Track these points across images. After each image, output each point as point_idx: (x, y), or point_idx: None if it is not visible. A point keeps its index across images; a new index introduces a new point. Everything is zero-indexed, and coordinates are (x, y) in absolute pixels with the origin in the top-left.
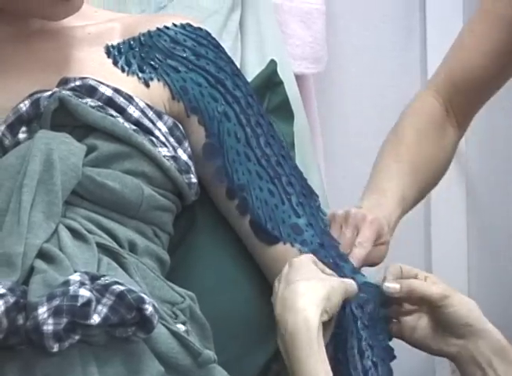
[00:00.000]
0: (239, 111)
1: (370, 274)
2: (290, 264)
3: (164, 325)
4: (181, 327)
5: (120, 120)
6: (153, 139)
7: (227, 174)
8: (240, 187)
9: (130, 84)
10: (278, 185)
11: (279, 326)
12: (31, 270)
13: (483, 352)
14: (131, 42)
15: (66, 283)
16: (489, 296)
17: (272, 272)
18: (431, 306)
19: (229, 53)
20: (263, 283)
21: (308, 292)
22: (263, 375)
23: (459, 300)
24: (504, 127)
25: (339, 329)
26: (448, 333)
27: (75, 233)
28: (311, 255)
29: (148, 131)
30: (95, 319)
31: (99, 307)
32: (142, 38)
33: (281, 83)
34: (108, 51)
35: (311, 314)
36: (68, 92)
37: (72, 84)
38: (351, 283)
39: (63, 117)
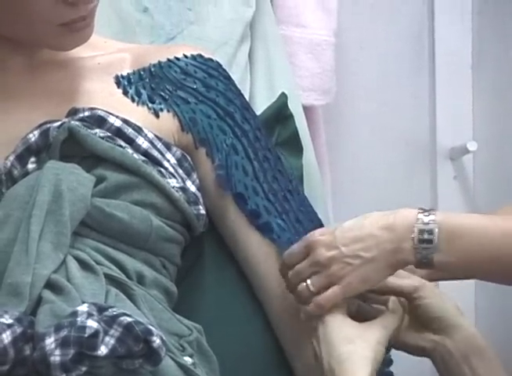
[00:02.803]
0: (247, 145)
1: None
2: (322, 321)
3: (171, 357)
4: (188, 360)
5: (129, 150)
6: (162, 170)
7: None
8: (256, 215)
9: (140, 114)
10: (287, 221)
11: None
12: (39, 300)
13: (459, 347)
14: (142, 73)
15: (74, 314)
16: (495, 309)
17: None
18: (406, 298)
19: (239, 84)
20: (267, 319)
21: (356, 359)
22: None
23: (431, 291)
24: (509, 164)
25: None
26: (424, 328)
27: (83, 264)
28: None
29: (157, 163)
30: (103, 350)
31: (107, 338)
32: (152, 69)
33: (291, 116)
34: (118, 81)
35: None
36: (77, 123)
37: (81, 115)
38: (396, 313)
39: (72, 147)
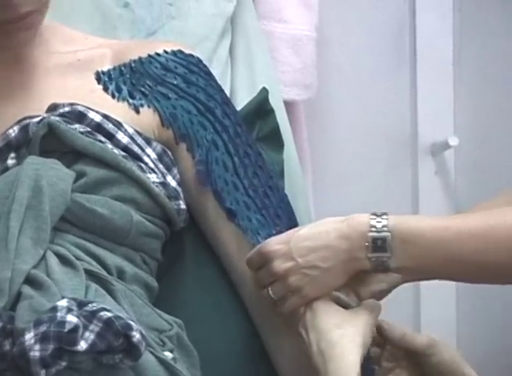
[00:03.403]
0: (227, 140)
1: None
2: (310, 308)
3: (151, 352)
4: (168, 355)
5: (109, 146)
6: (142, 165)
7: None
8: (233, 214)
9: (120, 110)
10: (266, 216)
11: (321, 374)
12: (18, 296)
13: None
14: (122, 68)
15: (54, 309)
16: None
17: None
18: (417, 357)
19: (219, 79)
20: (247, 314)
21: (345, 343)
22: None
23: (444, 348)
24: (495, 160)
25: None
26: None
27: (63, 259)
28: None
29: (137, 158)
30: (82, 345)
31: (87, 333)
32: (133, 65)
33: (272, 111)
34: (98, 77)
35: (353, 364)
36: (57, 118)
37: (61, 110)
38: (375, 306)
39: (51, 142)
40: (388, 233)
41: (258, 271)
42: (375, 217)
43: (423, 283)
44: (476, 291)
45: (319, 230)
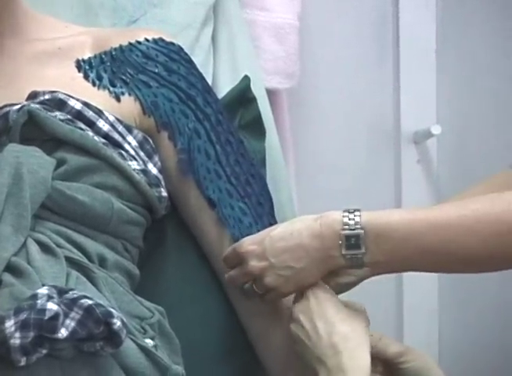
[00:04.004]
0: (209, 128)
1: None
2: (314, 296)
3: (132, 340)
4: (149, 342)
5: (90, 133)
6: (123, 152)
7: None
8: (213, 204)
9: (101, 98)
10: (248, 204)
11: (328, 367)
12: None
13: None
14: (103, 56)
15: (34, 296)
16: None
17: None
18: (389, 365)
19: (201, 67)
20: (229, 302)
21: (359, 339)
22: None
23: (416, 354)
24: (477, 148)
25: None
26: None
27: (44, 247)
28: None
29: (117, 145)
30: (63, 333)
31: (67, 321)
32: (113, 53)
33: (254, 99)
34: (79, 65)
35: (368, 362)
36: (37, 106)
37: (41, 98)
38: (364, 309)
39: (32, 130)
40: (361, 230)
41: (234, 269)
42: (347, 214)
43: (405, 273)
44: (458, 279)
45: (292, 230)
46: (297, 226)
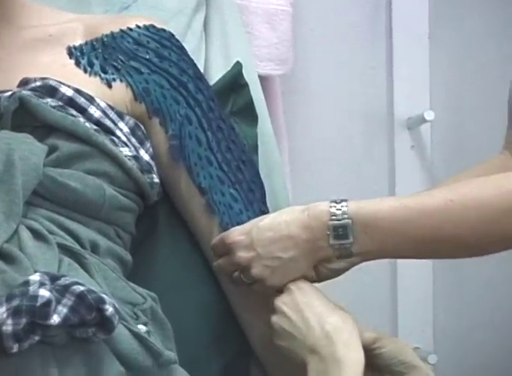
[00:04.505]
0: (200, 115)
1: None
2: (299, 288)
3: (124, 326)
4: (142, 328)
5: (81, 120)
6: (115, 138)
7: (192, 175)
8: (203, 191)
9: (92, 84)
10: (240, 191)
11: (322, 356)
12: None
13: None
14: (94, 43)
15: (26, 283)
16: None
17: None
18: (365, 350)
19: (193, 54)
20: (221, 288)
21: (351, 330)
22: None
23: (391, 340)
24: (471, 134)
25: None
26: (383, 372)
27: (36, 234)
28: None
29: (109, 131)
30: (55, 319)
31: (59, 307)
32: (104, 39)
33: (246, 85)
34: (70, 52)
35: (361, 354)
36: (28, 92)
37: (32, 85)
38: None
39: (23, 117)
40: (349, 220)
41: (221, 258)
42: (334, 204)
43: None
44: (452, 264)
45: (280, 221)
46: (285, 217)
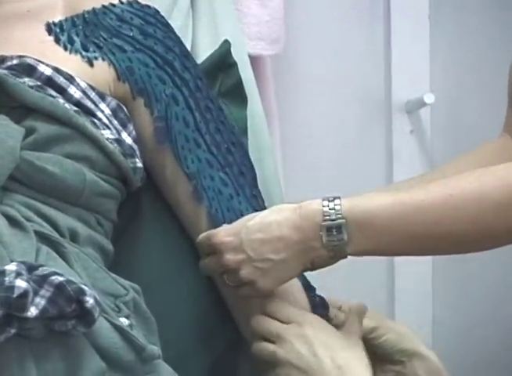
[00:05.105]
0: (187, 95)
1: None
2: (309, 323)
3: (106, 318)
4: (124, 321)
5: (61, 100)
6: (96, 120)
7: (178, 159)
8: (191, 176)
9: (73, 62)
10: (230, 174)
11: None
12: None
13: (419, 374)
14: (75, 19)
15: (2, 273)
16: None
17: None
18: (363, 339)
19: (180, 32)
20: (209, 279)
21: (362, 366)
22: (211, 373)
23: (389, 328)
24: (473, 118)
25: None
26: (384, 361)
27: (12, 221)
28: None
29: (90, 113)
30: (33, 311)
31: (37, 299)
32: (86, 16)
33: (234, 64)
34: (49, 28)
35: None
36: (5, 71)
37: (9, 63)
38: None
39: None
40: (343, 220)
41: (208, 258)
42: (327, 203)
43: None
44: (452, 259)
45: (270, 221)
46: (276, 217)
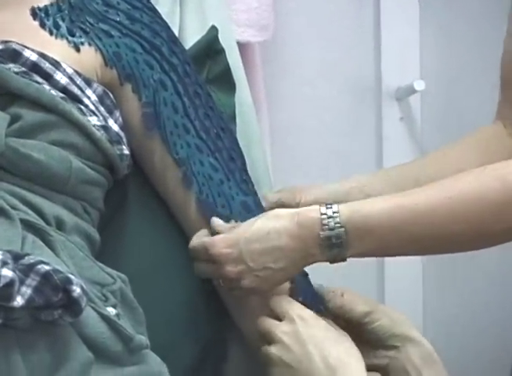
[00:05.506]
0: (176, 80)
1: None
2: (301, 318)
3: (93, 308)
4: (111, 311)
5: (47, 87)
6: (82, 107)
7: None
8: (180, 161)
9: (59, 47)
10: (220, 159)
11: None
12: None
13: (412, 359)
14: (60, 4)
15: None
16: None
17: None
18: (356, 324)
19: (167, 17)
20: None
21: (355, 362)
22: (198, 363)
23: (383, 312)
24: (464, 105)
25: None
26: (376, 347)
27: None
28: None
29: (76, 99)
30: (19, 301)
31: (23, 288)
32: (72, 1)
33: (222, 51)
34: (34, 13)
35: None
36: None
37: None
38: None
39: None
40: (342, 229)
41: (205, 265)
42: (325, 210)
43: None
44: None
45: (267, 230)
46: (274, 225)
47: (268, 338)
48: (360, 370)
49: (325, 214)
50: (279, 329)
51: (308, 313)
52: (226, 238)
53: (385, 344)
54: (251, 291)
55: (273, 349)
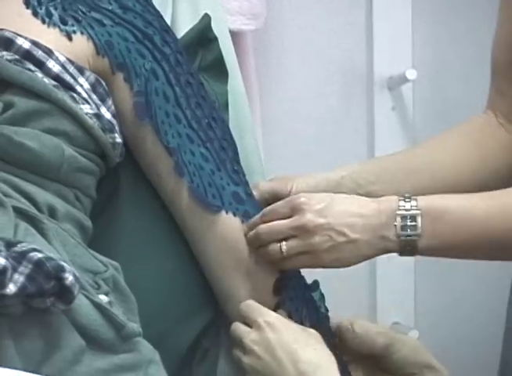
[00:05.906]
0: (168, 69)
1: None
2: (269, 325)
3: (85, 295)
4: (103, 298)
5: (39, 74)
6: (75, 95)
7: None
8: (171, 151)
9: (51, 36)
10: (211, 149)
11: None
12: None
13: None
14: None
15: None
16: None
17: (209, 240)
18: (374, 357)
19: (159, 6)
20: (191, 251)
21: (326, 363)
22: (192, 351)
23: (401, 342)
24: (455, 95)
25: None
26: (395, 374)
27: None
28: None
29: (69, 87)
30: (11, 288)
31: (16, 276)
32: None
33: (215, 39)
34: (27, 1)
35: None
36: None
37: None
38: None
39: None
40: (418, 211)
41: (277, 222)
42: (403, 197)
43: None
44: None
45: (352, 199)
46: (357, 198)
47: (241, 347)
48: (332, 372)
49: (403, 199)
50: (249, 338)
51: (275, 318)
52: (311, 194)
53: (403, 371)
54: (314, 260)
55: (245, 359)
